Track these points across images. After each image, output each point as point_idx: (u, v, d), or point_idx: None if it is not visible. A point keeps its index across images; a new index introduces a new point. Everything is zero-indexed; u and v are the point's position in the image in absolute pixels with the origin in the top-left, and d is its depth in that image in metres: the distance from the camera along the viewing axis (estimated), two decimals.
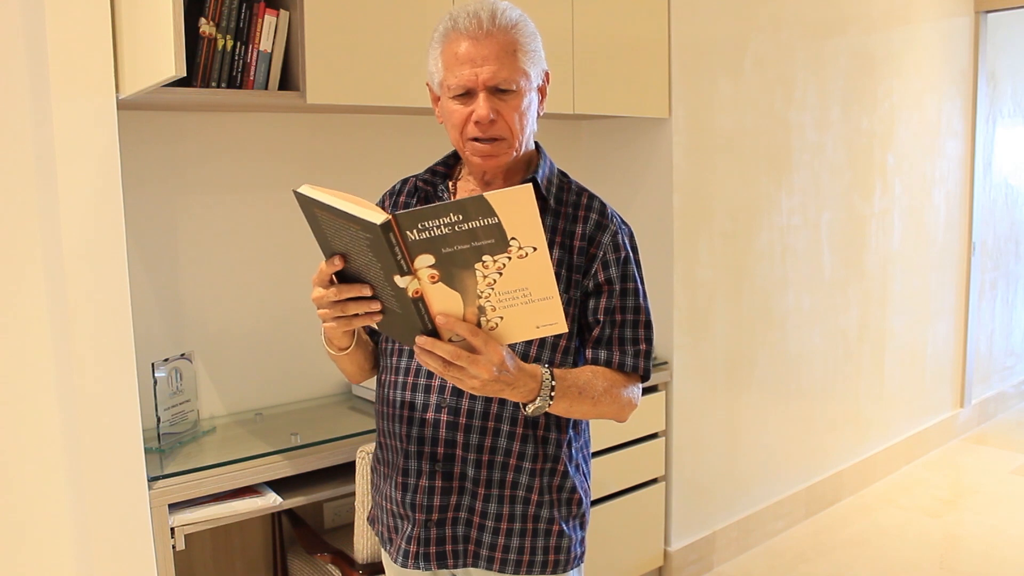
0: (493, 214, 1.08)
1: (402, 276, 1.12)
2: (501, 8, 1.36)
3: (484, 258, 1.11)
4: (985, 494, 3.86)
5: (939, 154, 4.26)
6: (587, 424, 1.57)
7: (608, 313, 1.44)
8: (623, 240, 1.47)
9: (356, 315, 1.22)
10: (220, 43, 1.91)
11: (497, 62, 1.33)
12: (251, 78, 1.97)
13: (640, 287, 1.48)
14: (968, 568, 3.16)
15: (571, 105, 2.53)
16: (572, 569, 1.50)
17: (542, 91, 1.44)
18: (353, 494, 2.00)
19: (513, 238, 1.10)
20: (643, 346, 1.46)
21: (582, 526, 1.52)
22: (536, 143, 1.49)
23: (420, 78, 2.18)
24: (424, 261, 1.11)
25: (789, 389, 3.47)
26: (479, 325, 1.18)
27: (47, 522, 1.58)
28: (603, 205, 1.48)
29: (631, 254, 1.48)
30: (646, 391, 2.85)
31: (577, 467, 1.51)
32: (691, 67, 2.89)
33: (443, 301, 1.15)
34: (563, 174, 1.51)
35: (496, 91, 1.34)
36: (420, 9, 2.18)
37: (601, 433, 2.66)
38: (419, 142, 2.59)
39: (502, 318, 1.17)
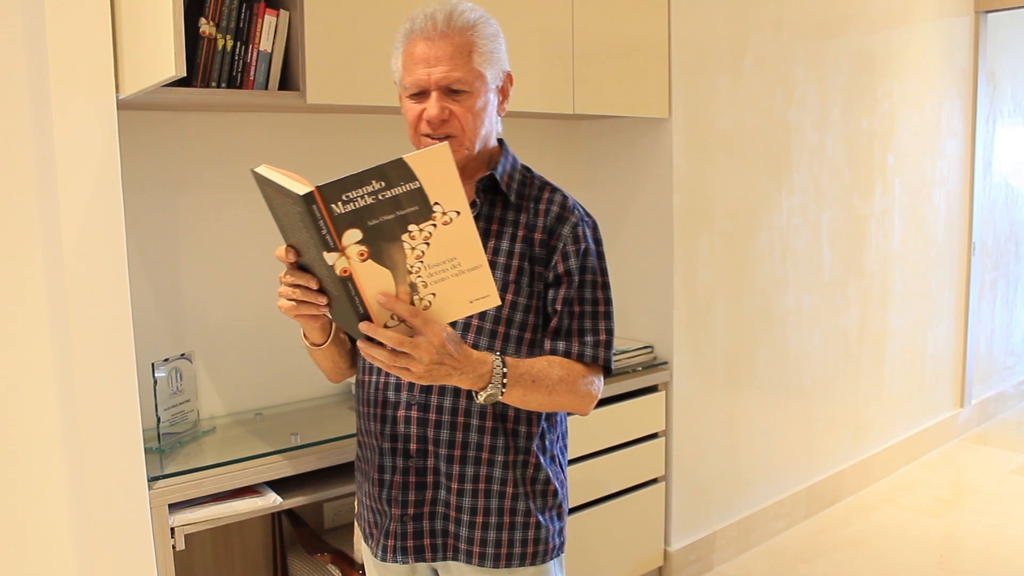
0: (414, 178, 1.09)
1: (329, 252, 1.12)
2: (459, 10, 1.39)
3: (410, 228, 1.12)
4: (985, 494, 3.86)
5: (939, 154, 4.26)
6: (563, 416, 1.57)
7: (567, 304, 1.45)
8: (584, 232, 1.47)
9: (305, 302, 1.25)
10: (220, 43, 1.91)
11: (450, 63, 1.36)
12: (251, 78, 1.97)
13: (601, 279, 1.48)
14: (968, 568, 3.16)
15: (571, 105, 2.53)
16: (551, 560, 1.51)
17: (503, 91, 1.47)
18: (353, 494, 2.00)
19: (436, 203, 1.11)
20: (603, 336, 1.46)
21: (559, 516, 1.54)
22: (500, 140, 1.51)
23: None
24: (352, 237, 1.12)
25: (789, 389, 3.47)
26: (412, 305, 1.18)
27: (47, 522, 1.58)
28: (565, 198, 1.50)
29: (592, 246, 1.48)
30: (646, 391, 2.85)
31: (552, 458, 1.52)
32: (691, 67, 2.89)
33: (373, 279, 1.15)
34: (527, 169, 1.53)
35: (449, 91, 1.37)
36: (420, 9, 2.18)
37: (601, 433, 2.66)
38: None
39: (435, 295, 1.18)
